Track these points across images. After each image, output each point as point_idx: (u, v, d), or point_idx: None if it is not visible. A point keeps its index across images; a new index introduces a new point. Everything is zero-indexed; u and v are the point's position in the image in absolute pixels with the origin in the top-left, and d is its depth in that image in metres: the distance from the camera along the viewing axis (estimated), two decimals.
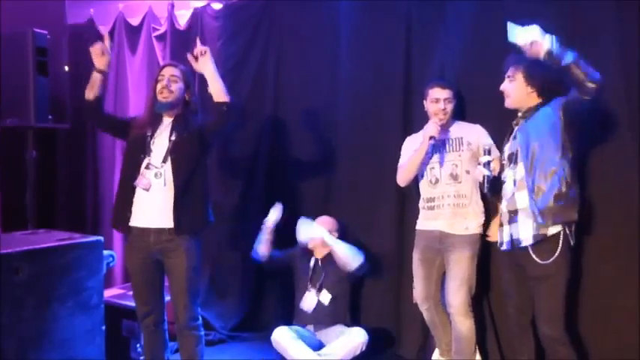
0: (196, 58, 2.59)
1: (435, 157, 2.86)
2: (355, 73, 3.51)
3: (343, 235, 3.37)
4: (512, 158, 2.47)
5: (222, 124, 2.68)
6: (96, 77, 2.65)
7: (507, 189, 2.48)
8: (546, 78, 2.40)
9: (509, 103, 2.53)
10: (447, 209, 2.80)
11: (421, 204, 2.94)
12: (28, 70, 3.11)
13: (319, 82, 3.65)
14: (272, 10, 3.78)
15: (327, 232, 3.21)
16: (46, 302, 2.41)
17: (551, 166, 2.31)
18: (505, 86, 2.52)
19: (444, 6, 3.19)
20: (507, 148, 2.54)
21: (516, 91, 2.48)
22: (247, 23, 3.82)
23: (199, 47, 2.58)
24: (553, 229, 2.32)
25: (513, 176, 2.44)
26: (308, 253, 3.33)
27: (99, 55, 2.63)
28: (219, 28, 3.86)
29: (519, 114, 2.51)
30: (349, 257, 3.13)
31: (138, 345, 3.06)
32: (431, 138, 2.76)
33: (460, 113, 2.99)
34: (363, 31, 3.48)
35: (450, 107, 2.84)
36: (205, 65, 2.59)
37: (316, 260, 3.30)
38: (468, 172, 2.80)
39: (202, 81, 2.79)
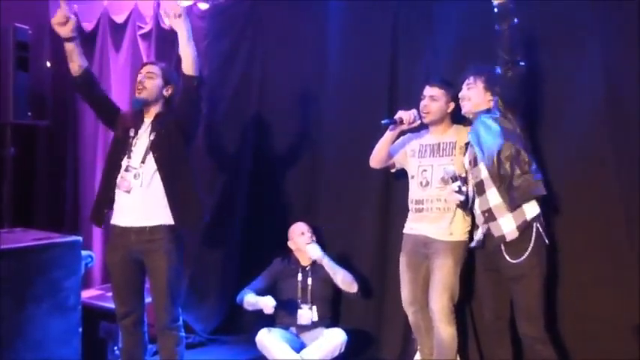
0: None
1: (428, 160, 2.87)
2: (341, 74, 3.51)
3: (318, 238, 3.35)
4: (472, 162, 2.56)
5: (192, 103, 2.59)
6: (69, 48, 2.56)
7: (474, 191, 2.55)
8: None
9: (469, 108, 2.64)
10: (434, 212, 2.80)
11: (410, 205, 2.93)
12: (8, 65, 3.06)
13: (305, 83, 3.63)
14: (258, 10, 3.77)
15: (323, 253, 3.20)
16: (21, 302, 2.37)
17: (505, 153, 2.40)
18: (464, 93, 2.64)
19: (430, 6, 3.21)
20: (466, 158, 2.63)
21: (477, 96, 2.61)
22: (234, 23, 3.80)
23: (174, 6, 2.42)
24: (529, 211, 2.37)
25: (475, 179, 2.53)
26: (291, 263, 3.29)
27: (61, 23, 2.51)
28: (206, 28, 3.82)
29: (470, 116, 2.64)
30: (348, 283, 3.16)
31: (115, 347, 3.01)
32: (399, 117, 2.84)
33: (459, 117, 2.93)
34: (350, 31, 3.48)
35: (433, 106, 2.82)
36: (178, 25, 2.46)
37: (303, 271, 3.26)
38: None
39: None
